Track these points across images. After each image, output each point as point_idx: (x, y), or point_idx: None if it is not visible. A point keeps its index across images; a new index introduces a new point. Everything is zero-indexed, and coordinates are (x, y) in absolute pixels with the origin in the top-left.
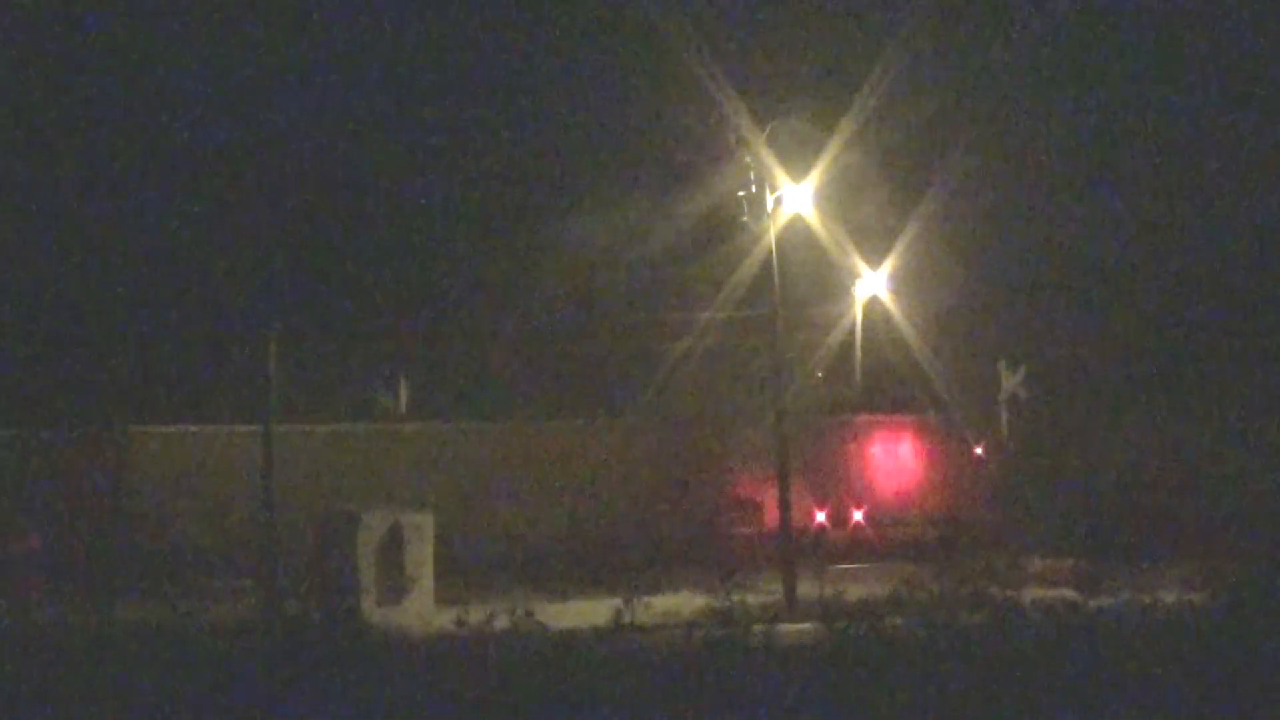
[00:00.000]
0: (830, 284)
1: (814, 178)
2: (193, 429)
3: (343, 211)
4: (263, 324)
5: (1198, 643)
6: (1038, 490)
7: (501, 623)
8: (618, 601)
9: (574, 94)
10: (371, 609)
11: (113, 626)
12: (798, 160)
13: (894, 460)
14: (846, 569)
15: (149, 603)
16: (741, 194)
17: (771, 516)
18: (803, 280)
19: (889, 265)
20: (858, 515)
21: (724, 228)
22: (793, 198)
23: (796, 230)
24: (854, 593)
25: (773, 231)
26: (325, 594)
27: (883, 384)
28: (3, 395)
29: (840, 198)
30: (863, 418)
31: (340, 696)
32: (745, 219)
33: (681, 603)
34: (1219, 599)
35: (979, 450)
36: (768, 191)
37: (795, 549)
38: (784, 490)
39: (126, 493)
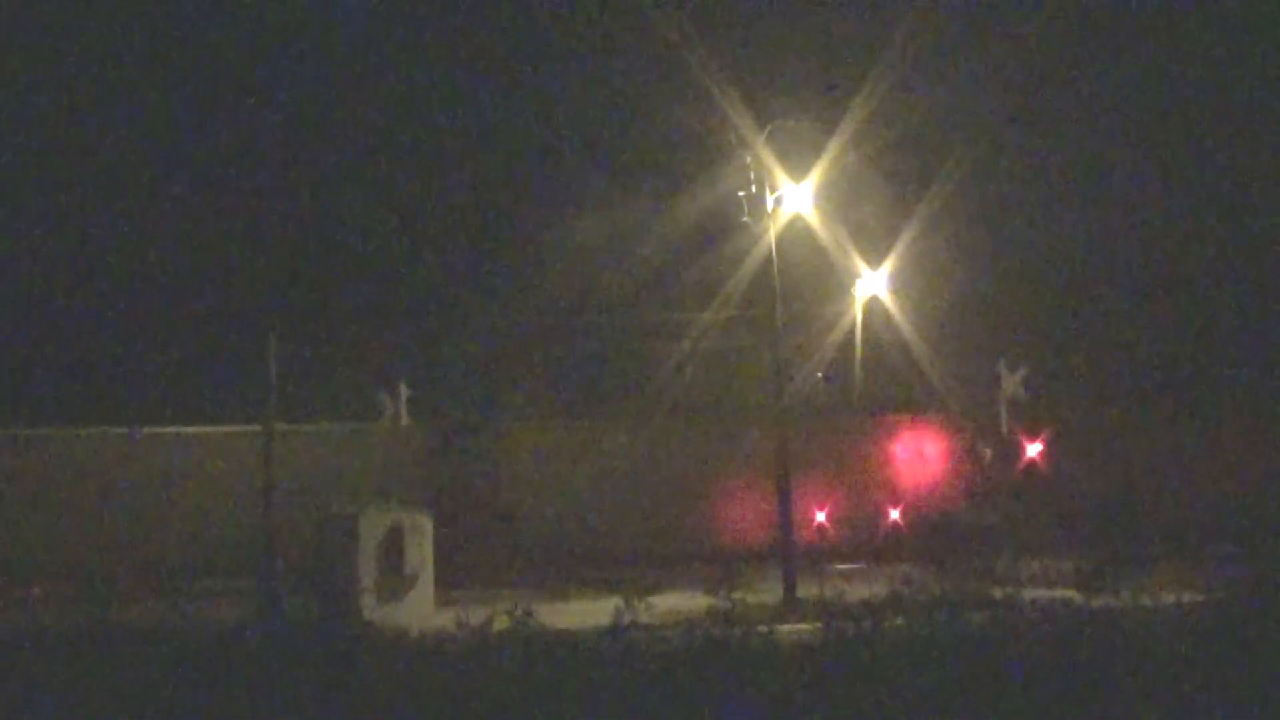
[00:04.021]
0: (830, 284)
1: (814, 178)
2: (193, 429)
3: (343, 212)
4: (262, 324)
5: (1198, 643)
6: (1038, 490)
7: (501, 623)
8: (618, 601)
9: (574, 94)
10: (371, 609)
11: (112, 626)
12: (798, 160)
13: (896, 459)
14: (846, 569)
15: (148, 603)
16: (741, 194)
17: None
18: (803, 280)
19: (889, 265)
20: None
21: (724, 228)
22: (793, 198)
23: (796, 230)
24: (854, 593)
25: (773, 231)
26: (325, 594)
27: (883, 384)
28: (4, 395)
29: (840, 198)
30: (867, 418)
31: (340, 696)
32: (745, 219)
33: (682, 603)
34: (1219, 599)
35: (978, 450)
36: (768, 191)
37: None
38: (784, 490)
39: (126, 492)
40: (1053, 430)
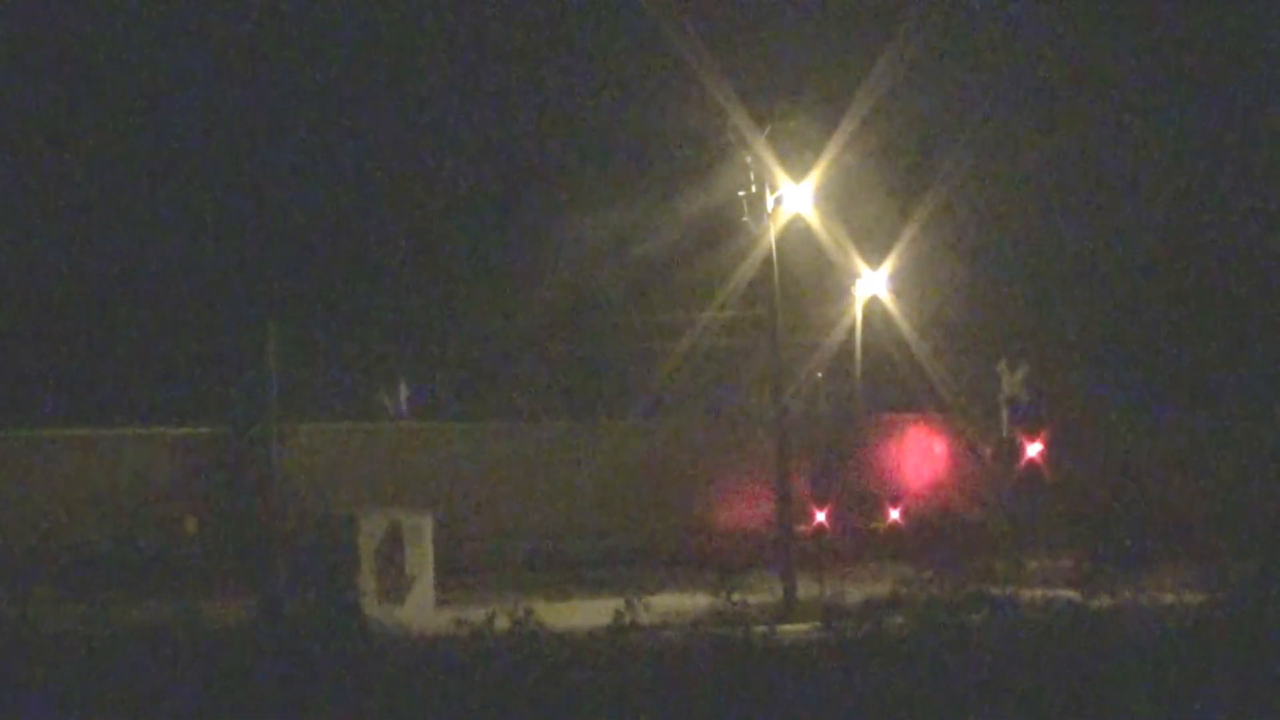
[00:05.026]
0: (830, 284)
1: (814, 178)
2: (192, 429)
3: (343, 212)
4: (263, 324)
5: (1198, 643)
6: (1038, 490)
7: (501, 623)
8: (618, 601)
9: (574, 94)
10: (371, 609)
11: (113, 626)
12: (798, 160)
13: (897, 459)
14: (846, 569)
15: (149, 603)
16: (741, 194)
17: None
18: (803, 280)
19: (889, 265)
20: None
21: (724, 228)
22: (793, 198)
23: (796, 230)
24: (854, 593)
25: (773, 231)
26: (325, 594)
27: (882, 384)
28: (3, 396)
29: (840, 198)
30: (866, 417)
31: (340, 696)
32: (745, 219)
33: (682, 603)
34: (1219, 599)
35: (978, 450)
36: (768, 191)
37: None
38: (784, 490)
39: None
40: (1053, 430)
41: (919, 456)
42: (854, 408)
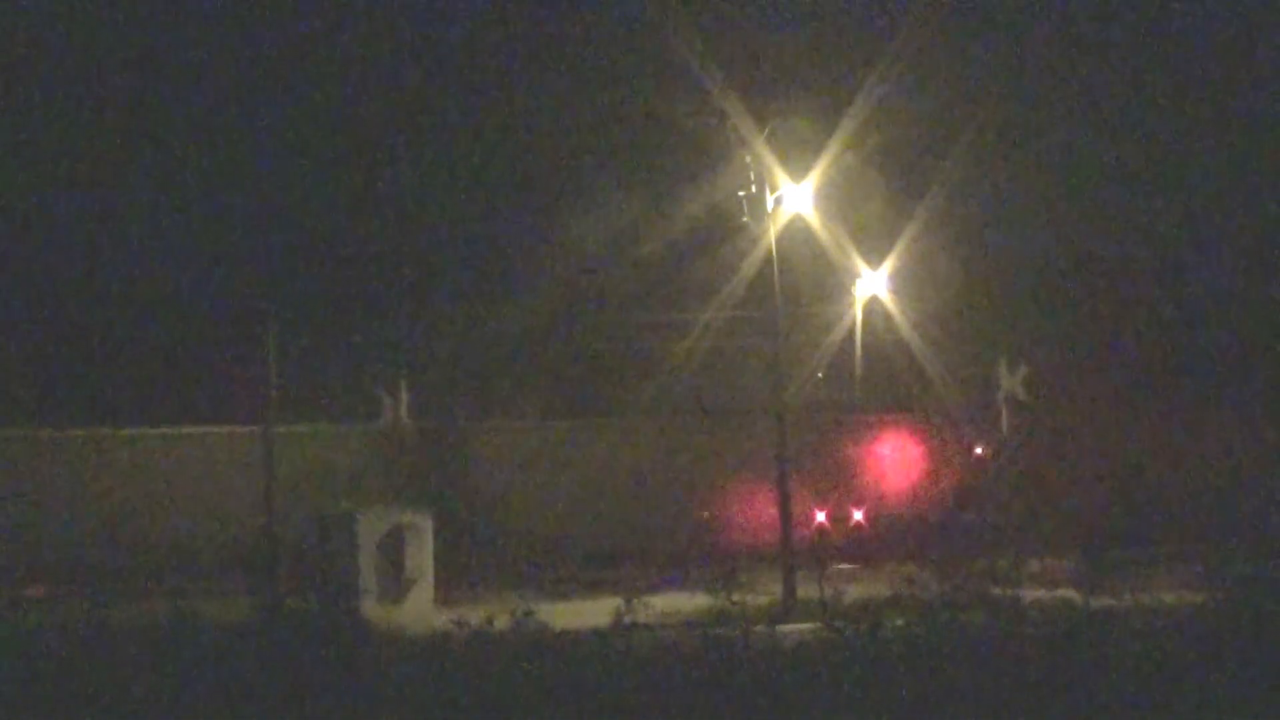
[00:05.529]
0: (830, 284)
1: (814, 178)
2: (192, 429)
3: (343, 212)
4: (262, 324)
5: (1198, 643)
6: (1038, 490)
7: (501, 623)
8: (618, 601)
9: (574, 93)
10: (371, 609)
11: (113, 626)
12: (798, 160)
13: (895, 459)
14: (846, 569)
15: (149, 603)
16: (741, 194)
17: None
18: (803, 280)
19: (889, 265)
20: (857, 515)
21: (724, 228)
22: (793, 198)
23: (796, 230)
24: (854, 593)
25: (773, 231)
26: (325, 594)
27: (882, 384)
28: (3, 395)
29: (840, 198)
30: (864, 416)
31: (340, 696)
32: (745, 219)
33: (682, 603)
34: (1219, 599)
35: (979, 450)
36: (768, 191)
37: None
38: (784, 490)
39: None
40: (1053, 430)
41: (919, 456)
42: (854, 407)
